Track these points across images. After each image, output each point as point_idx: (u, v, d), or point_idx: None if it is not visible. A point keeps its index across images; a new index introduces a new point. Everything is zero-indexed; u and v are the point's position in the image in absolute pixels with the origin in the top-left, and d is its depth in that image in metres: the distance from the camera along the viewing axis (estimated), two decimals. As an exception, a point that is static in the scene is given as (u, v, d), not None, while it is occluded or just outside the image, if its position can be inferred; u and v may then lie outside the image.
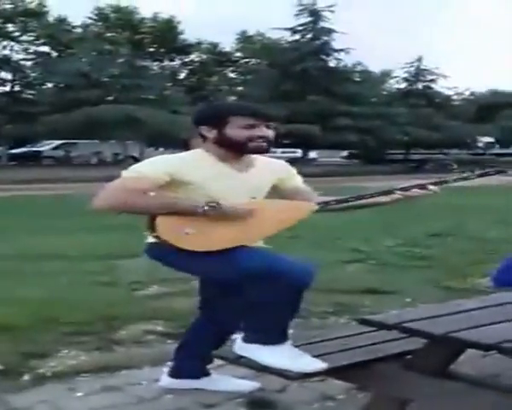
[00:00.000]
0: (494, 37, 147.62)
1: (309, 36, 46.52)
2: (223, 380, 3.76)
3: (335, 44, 46.37)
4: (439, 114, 47.80)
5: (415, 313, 3.36)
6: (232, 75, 62.87)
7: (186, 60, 61.12)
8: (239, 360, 3.31)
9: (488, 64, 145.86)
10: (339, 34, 45.53)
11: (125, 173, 3.24)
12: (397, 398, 3.17)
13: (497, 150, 52.97)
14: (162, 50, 59.29)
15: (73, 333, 4.75)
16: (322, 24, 46.19)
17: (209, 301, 3.63)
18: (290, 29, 46.73)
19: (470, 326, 2.95)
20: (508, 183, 26.11)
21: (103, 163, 44.97)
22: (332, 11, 45.35)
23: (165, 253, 3.28)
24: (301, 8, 46.01)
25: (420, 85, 51.32)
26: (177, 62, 60.55)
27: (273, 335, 3.20)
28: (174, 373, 3.73)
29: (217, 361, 3.72)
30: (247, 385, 3.74)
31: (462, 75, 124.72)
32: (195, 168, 3.30)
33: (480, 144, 53.23)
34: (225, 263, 3.18)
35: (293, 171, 3.62)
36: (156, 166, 3.27)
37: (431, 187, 3.44)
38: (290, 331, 3.31)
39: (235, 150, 3.36)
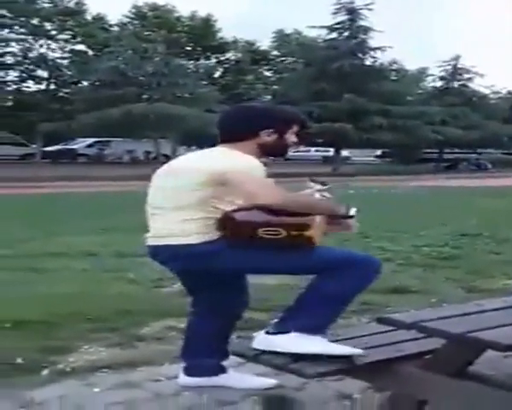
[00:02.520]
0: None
1: (346, 34, 46.17)
2: (240, 377, 3.75)
3: (372, 43, 46.01)
4: (474, 113, 47.24)
5: (434, 313, 3.33)
6: (267, 74, 62.90)
7: (222, 58, 61.29)
8: (259, 357, 3.30)
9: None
10: (376, 32, 45.21)
11: (253, 171, 3.24)
12: (415, 398, 3.13)
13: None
14: (198, 49, 59.55)
15: (95, 329, 4.78)
16: (359, 22, 45.83)
17: (205, 295, 3.65)
18: (327, 27, 46.45)
19: (489, 326, 2.90)
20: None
21: (136, 161, 45.36)
22: (370, 9, 44.94)
23: (234, 249, 3.24)
24: (339, 6, 45.68)
25: (456, 84, 50.74)
26: (212, 61, 60.69)
27: (322, 326, 3.30)
28: (189, 372, 3.72)
29: (235, 358, 3.71)
30: (265, 383, 3.72)
31: (500, 74, 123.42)
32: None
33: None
34: (311, 256, 3.26)
35: None
36: (258, 162, 3.33)
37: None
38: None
39: (275, 155, 3.57)
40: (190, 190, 3.31)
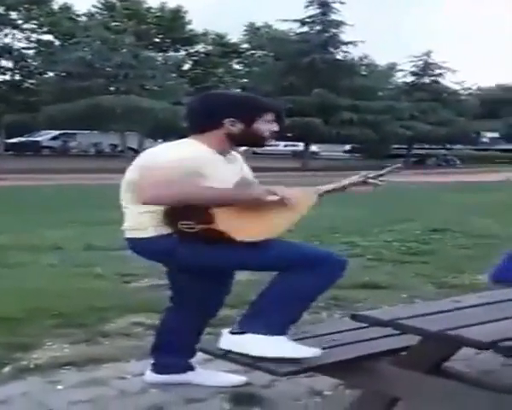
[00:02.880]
0: (504, 32, 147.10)
1: (317, 28, 46.00)
2: (208, 374, 3.66)
3: (344, 37, 45.85)
4: (444, 109, 47.50)
5: (409, 310, 3.28)
6: (237, 67, 62.70)
7: (191, 51, 60.93)
8: (227, 355, 3.21)
9: (496, 59, 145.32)
10: (348, 27, 45.13)
11: (163, 163, 3.08)
12: (386, 396, 3.07)
13: (501, 146, 52.68)
14: (168, 41, 59.08)
15: (60, 325, 4.65)
16: (331, 16, 45.68)
17: (185, 291, 3.53)
18: (299, 21, 46.31)
19: (467, 324, 2.83)
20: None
21: (101, 154, 44.94)
22: (342, 2, 44.86)
23: (185, 245, 3.15)
24: (311, -1, 45.54)
25: (427, 80, 50.94)
26: (182, 53, 60.31)
27: (284, 325, 3.19)
28: (157, 369, 3.62)
29: (202, 355, 3.62)
30: (234, 380, 3.63)
31: (470, 70, 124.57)
32: (212, 162, 3.23)
33: (485, 140, 52.94)
34: (270, 252, 3.17)
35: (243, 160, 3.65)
36: (184, 156, 3.14)
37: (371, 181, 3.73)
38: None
39: (249, 145, 3.46)
40: (129, 187, 3.27)
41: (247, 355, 3.12)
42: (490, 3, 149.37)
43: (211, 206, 3.04)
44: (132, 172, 3.26)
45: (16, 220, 10.60)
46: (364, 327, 3.31)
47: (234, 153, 3.46)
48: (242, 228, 3.08)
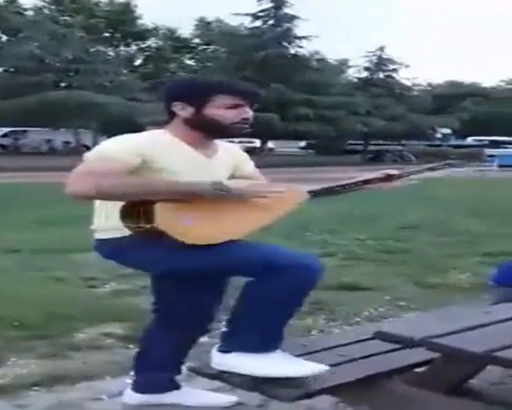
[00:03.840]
0: (453, 28, 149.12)
1: (270, 22, 45.68)
2: (195, 394, 3.28)
3: (298, 31, 45.60)
4: (398, 105, 47.63)
5: (439, 324, 2.83)
6: (190, 62, 62.13)
7: (142, 46, 60.19)
8: (221, 376, 2.86)
9: (446, 55, 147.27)
10: (301, 21, 44.85)
11: (90, 155, 2.77)
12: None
13: (453, 142, 53.14)
14: (118, 35, 58.23)
15: (23, 337, 4.23)
16: (284, 10, 45.36)
17: (169, 301, 3.14)
18: (251, 15, 45.83)
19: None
20: (479, 175, 26.33)
21: (54, 152, 43.94)
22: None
23: (138, 248, 2.80)
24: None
25: (381, 75, 50.96)
26: (133, 48, 59.56)
27: (269, 340, 2.82)
28: (138, 388, 3.23)
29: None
30: (224, 400, 3.27)
31: (421, 66, 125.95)
32: (167, 153, 2.85)
33: (438, 136, 53.38)
34: (231, 257, 2.79)
35: (247, 156, 3.27)
36: (126, 146, 2.79)
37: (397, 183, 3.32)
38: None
39: (211, 133, 2.97)
40: None
41: (244, 376, 2.77)
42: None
43: (154, 201, 2.67)
44: None
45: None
46: (367, 339, 3.02)
47: (228, 146, 3.12)
48: (194, 228, 2.72)
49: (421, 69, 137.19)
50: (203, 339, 3.35)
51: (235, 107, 2.90)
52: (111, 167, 2.68)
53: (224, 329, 2.99)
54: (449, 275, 6.39)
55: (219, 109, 2.88)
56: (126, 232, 2.77)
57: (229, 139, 3.11)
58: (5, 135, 46.97)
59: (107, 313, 4.82)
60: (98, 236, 2.94)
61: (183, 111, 2.90)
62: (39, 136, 47.11)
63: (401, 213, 11.21)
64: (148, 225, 2.65)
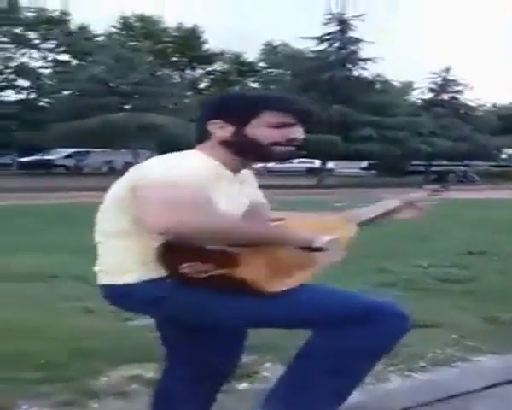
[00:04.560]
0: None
1: (336, 45, 45.45)
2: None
3: (362, 54, 45.26)
4: (463, 126, 46.60)
5: None
6: (254, 85, 62.21)
7: (209, 69, 60.59)
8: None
9: (510, 76, 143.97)
10: (366, 43, 44.46)
11: (173, 177, 2.22)
12: None
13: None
14: (184, 60, 58.84)
15: (40, 380, 3.75)
16: (349, 33, 45.09)
17: (178, 348, 2.71)
18: (317, 38, 45.68)
19: None
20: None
21: (114, 172, 44.26)
22: (362, 20, 44.26)
23: (184, 293, 2.32)
24: (330, 16, 44.97)
25: (445, 96, 50.09)
26: (198, 72, 60.00)
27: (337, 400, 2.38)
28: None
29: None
30: None
31: (485, 87, 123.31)
32: (215, 180, 2.38)
33: (504, 156, 51.98)
34: (300, 303, 2.34)
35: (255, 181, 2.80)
36: (198, 168, 2.32)
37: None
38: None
39: (248, 156, 2.48)
40: (121, 208, 2.40)
41: None
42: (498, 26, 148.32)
43: (230, 245, 2.20)
44: (120, 188, 2.42)
45: (12, 242, 9.65)
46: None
47: (244, 171, 2.61)
48: (272, 277, 2.26)
49: (485, 90, 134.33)
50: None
51: (282, 126, 2.41)
52: (203, 197, 2.22)
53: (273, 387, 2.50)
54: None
55: (262, 128, 2.40)
56: (153, 274, 2.33)
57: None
58: (69, 156, 47.64)
59: (139, 350, 4.32)
60: (112, 280, 2.43)
61: (222, 130, 2.42)
62: (101, 157, 47.61)
63: (459, 237, 10.52)
64: (226, 271, 2.20)
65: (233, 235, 2.18)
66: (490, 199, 23.48)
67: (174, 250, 2.22)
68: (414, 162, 49.57)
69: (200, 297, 2.29)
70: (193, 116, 40.44)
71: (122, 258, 2.38)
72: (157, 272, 2.30)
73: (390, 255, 8.51)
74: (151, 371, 3.96)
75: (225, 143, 2.43)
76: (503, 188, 32.78)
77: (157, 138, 38.68)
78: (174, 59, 58.71)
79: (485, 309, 5.66)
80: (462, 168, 47.65)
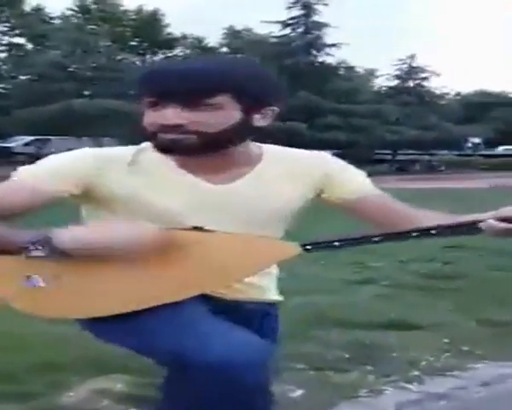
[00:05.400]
0: (481, 38, 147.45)
1: (300, 30, 45.04)
2: None
3: (327, 40, 45.00)
4: (429, 114, 46.63)
5: None
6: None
7: (170, 54, 59.81)
8: None
9: (475, 65, 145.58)
10: (331, 29, 44.22)
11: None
12: None
13: (484, 151, 51.99)
14: (145, 44, 57.95)
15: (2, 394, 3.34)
16: (314, 18, 44.70)
17: None
18: (281, 22, 45.21)
19: None
20: None
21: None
22: (326, 4, 43.94)
23: None
24: (294, 0, 44.50)
25: (411, 83, 50.04)
26: (160, 57, 59.16)
27: None
28: None
29: None
30: None
31: (449, 76, 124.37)
32: (129, 172, 1.91)
33: (469, 145, 52.28)
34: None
35: (344, 165, 2.11)
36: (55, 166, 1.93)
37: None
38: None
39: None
40: None
41: None
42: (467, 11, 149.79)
43: None
44: None
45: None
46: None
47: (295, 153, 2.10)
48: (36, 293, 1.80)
49: (449, 78, 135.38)
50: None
51: (152, 106, 1.86)
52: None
53: None
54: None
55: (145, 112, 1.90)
56: None
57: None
58: (28, 143, 46.51)
59: (108, 361, 3.89)
60: None
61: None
62: (62, 144, 46.54)
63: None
64: None
65: None
66: (456, 189, 23.39)
67: None
68: (379, 151, 49.53)
69: None
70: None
71: None
72: None
73: (369, 251, 8.14)
74: (120, 383, 3.58)
75: None
76: (467, 178, 32.85)
77: (120, 126, 37.95)
78: (134, 43, 57.76)
79: (476, 309, 5.33)
80: (427, 157, 47.70)
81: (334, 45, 44.54)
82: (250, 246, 1.84)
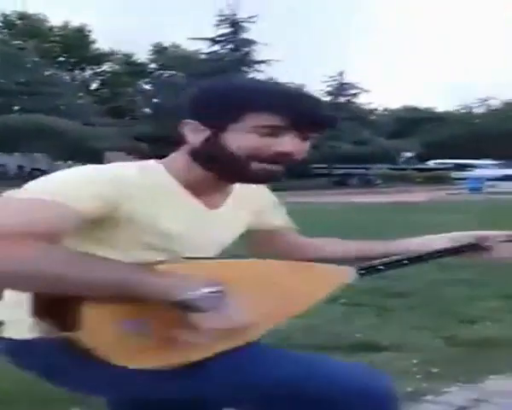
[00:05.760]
0: (407, 54, 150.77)
1: (229, 47, 45.15)
2: None
3: (257, 56, 45.26)
4: (362, 129, 47.29)
5: None
6: (147, 87, 61.26)
7: (98, 70, 59.17)
8: None
9: (401, 81, 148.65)
10: (260, 46, 44.51)
11: (26, 193, 1.52)
12: None
13: (417, 165, 52.97)
14: (73, 60, 57.23)
15: None
16: (242, 35, 44.92)
17: None
18: (209, 39, 45.27)
19: None
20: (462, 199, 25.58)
21: (5, 176, 42.34)
22: (253, 22, 44.23)
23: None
24: (222, 18, 44.61)
25: (342, 100, 50.68)
26: (88, 72, 58.47)
27: None
28: None
29: None
30: None
31: (375, 92, 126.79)
32: (150, 197, 1.68)
33: (402, 159, 53.21)
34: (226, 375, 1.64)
35: (276, 201, 2.16)
36: (84, 186, 1.57)
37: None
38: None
39: (221, 173, 1.76)
40: None
41: None
42: (385, 24, 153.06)
43: (86, 295, 1.46)
44: None
45: None
46: None
47: (246, 187, 1.93)
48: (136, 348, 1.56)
49: (376, 94, 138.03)
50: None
51: (268, 132, 1.66)
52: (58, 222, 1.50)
53: None
54: (478, 326, 5.23)
55: (239, 134, 1.67)
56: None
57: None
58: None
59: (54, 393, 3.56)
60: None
61: (194, 134, 1.72)
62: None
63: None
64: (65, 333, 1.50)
65: (51, 276, 1.40)
66: (396, 202, 23.52)
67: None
68: (315, 166, 49.81)
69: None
70: (86, 118, 39.28)
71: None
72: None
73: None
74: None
75: (194, 153, 1.73)
76: (404, 191, 33.33)
77: (52, 142, 37.14)
78: (62, 59, 56.95)
79: (438, 327, 5.16)
80: (363, 171, 48.20)
81: (263, 62, 44.72)
82: (312, 272, 1.79)
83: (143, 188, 1.65)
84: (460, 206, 20.96)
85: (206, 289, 1.48)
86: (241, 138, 1.66)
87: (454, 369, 4.20)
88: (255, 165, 1.68)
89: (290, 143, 1.67)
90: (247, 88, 1.71)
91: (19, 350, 1.69)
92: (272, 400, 1.63)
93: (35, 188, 1.53)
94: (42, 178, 1.58)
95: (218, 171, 1.74)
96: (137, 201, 1.63)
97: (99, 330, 1.49)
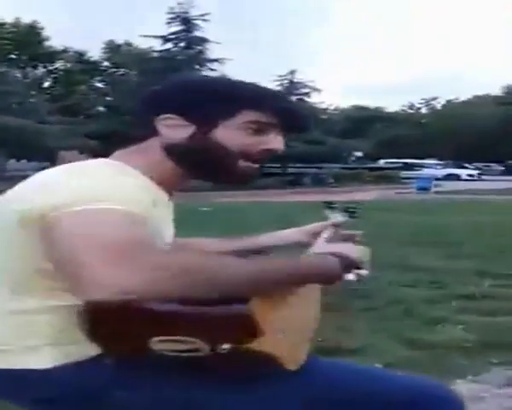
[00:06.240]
0: (357, 52, 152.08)
1: (181, 45, 44.92)
2: None
3: (210, 54, 45.11)
4: (314, 128, 47.38)
5: None
6: (100, 85, 60.66)
7: (50, 68, 58.39)
8: None
9: (350, 79, 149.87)
10: (213, 44, 44.37)
11: (107, 216, 1.45)
12: None
13: (368, 164, 53.42)
14: (25, 57, 56.35)
15: None
16: (195, 33, 44.71)
17: None
18: (161, 37, 44.96)
19: None
20: (401, 198, 25.82)
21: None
22: (205, 20, 44.05)
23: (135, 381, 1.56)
24: (173, 15, 44.35)
25: (293, 98, 50.74)
26: (41, 70, 57.66)
27: None
28: None
29: None
30: None
31: (326, 91, 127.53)
32: (152, 209, 1.65)
33: (353, 158, 53.56)
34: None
35: None
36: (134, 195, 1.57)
37: None
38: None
39: (202, 172, 1.78)
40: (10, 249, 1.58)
41: None
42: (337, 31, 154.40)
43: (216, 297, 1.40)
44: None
45: None
46: None
47: None
48: (293, 345, 1.61)
49: (327, 93, 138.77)
50: None
51: (257, 130, 1.72)
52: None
53: None
54: (437, 328, 5.31)
55: (232, 131, 1.70)
56: (79, 353, 1.53)
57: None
58: None
59: None
60: (11, 363, 1.56)
61: (174, 130, 1.69)
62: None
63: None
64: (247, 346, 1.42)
65: (222, 280, 1.39)
66: (349, 201, 23.59)
67: (113, 316, 1.40)
68: (268, 165, 49.79)
69: (184, 392, 1.56)
70: (40, 117, 38.64)
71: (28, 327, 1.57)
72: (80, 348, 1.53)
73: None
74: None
75: (169, 151, 1.70)
76: (357, 190, 33.53)
77: (5, 140, 36.48)
78: (13, 56, 56.02)
79: (399, 330, 5.23)
80: (314, 171, 48.40)
81: (215, 60, 44.64)
82: (305, 296, 1.78)
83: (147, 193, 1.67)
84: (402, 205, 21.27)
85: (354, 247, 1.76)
86: (232, 135, 1.69)
87: (417, 373, 4.26)
88: (242, 163, 1.72)
89: (276, 141, 1.76)
90: (242, 85, 1.75)
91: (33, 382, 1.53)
92: None
93: (106, 197, 1.47)
94: (93, 186, 1.51)
95: (198, 167, 1.74)
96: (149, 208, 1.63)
97: (273, 337, 1.47)
